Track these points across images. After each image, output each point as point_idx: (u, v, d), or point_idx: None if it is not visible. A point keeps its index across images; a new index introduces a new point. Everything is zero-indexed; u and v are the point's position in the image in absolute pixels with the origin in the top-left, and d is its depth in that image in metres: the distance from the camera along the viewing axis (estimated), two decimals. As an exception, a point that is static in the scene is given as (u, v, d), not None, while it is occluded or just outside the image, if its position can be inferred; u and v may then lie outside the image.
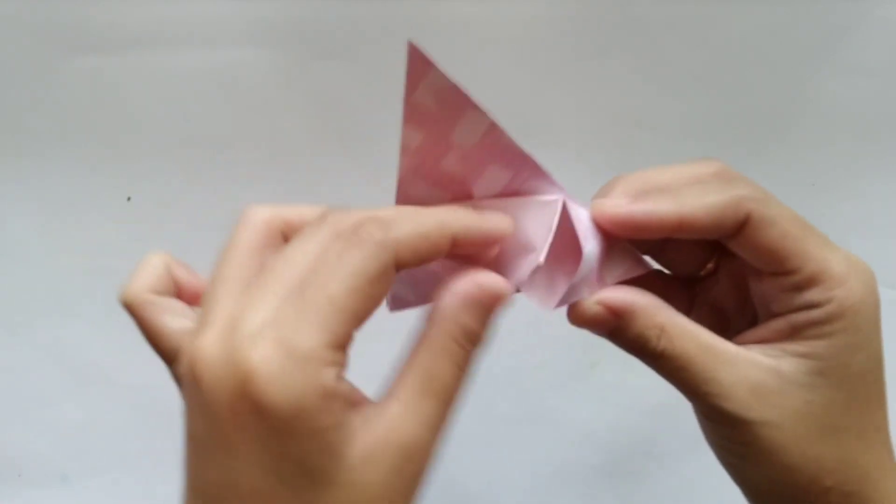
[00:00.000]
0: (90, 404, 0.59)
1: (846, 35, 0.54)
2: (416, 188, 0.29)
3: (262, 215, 0.28)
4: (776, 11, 0.53)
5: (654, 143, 0.55)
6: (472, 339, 0.26)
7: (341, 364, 0.24)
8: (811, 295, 0.28)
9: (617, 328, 0.29)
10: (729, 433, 0.28)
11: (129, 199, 0.56)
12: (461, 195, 0.29)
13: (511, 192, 0.29)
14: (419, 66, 0.28)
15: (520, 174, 0.29)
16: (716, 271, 0.32)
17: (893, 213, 0.58)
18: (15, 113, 0.54)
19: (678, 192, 0.28)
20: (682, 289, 0.33)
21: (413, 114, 0.28)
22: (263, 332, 0.23)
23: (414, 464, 0.25)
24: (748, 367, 0.28)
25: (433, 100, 0.28)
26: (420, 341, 0.26)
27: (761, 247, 0.28)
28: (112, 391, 0.59)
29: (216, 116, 0.54)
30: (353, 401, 0.25)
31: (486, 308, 0.26)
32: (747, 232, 0.28)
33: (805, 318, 0.28)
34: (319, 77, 0.54)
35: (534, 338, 0.54)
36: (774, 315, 0.29)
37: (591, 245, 0.28)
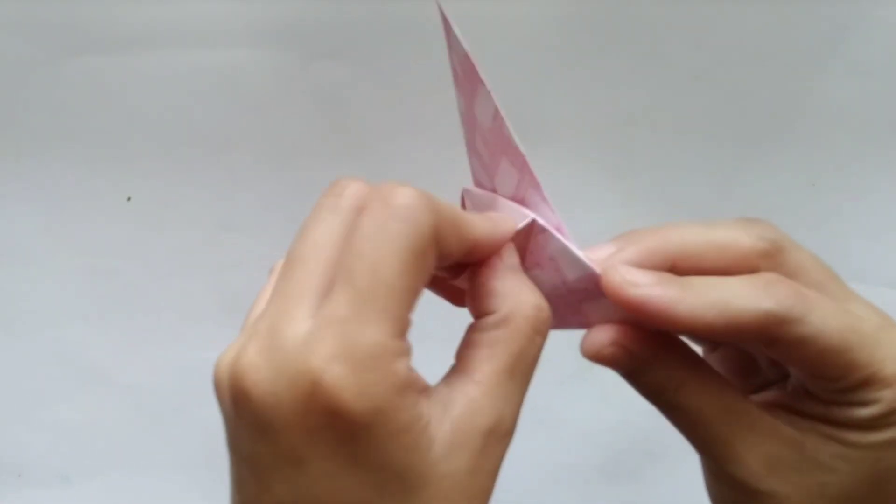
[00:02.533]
0: (90, 404, 0.59)
1: (846, 35, 0.54)
2: (471, 163, 0.28)
3: (357, 193, 0.24)
4: (776, 11, 0.53)
5: (653, 143, 0.55)
6: (546, 322, 0.25)
7: (407, 353, 0.22)
8: (855, 396, 0.25)
9: (631, 372, 0.26)
10: (736, 497, 0.27)
11: (129, 199, 0.56)
12: (489, 185, 0.28)
13: (518, 199, 0.28)
14: (446, 28, 0.27)
15: (523, 179, 0.28)
16: None
17: (893, 213, 0.58)
18: (15, 113, 0.54)
19: (704, 286, 0.24)
20: None
21: (454, 76, 0.28)
22: (319, 331, 0.21)
23: (498, 444, 0.24)
24: (768, 437, 0.25)
25: (459, 65, 0.28)
26: (500, 327, 0.24)
27: (797, 361, 0.25)
28: (112, 391, 0.59)
29: (216, 116, 0.54)
30: (421, 388, 0.23)
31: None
32: (780, 346, 0.24)
33: (845, 414, 0.25)
34: (319, 77, 0.54)
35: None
36: (810, 394, 0.26)
37: (552, 270, 0.27)
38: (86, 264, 0.57)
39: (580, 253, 0.26)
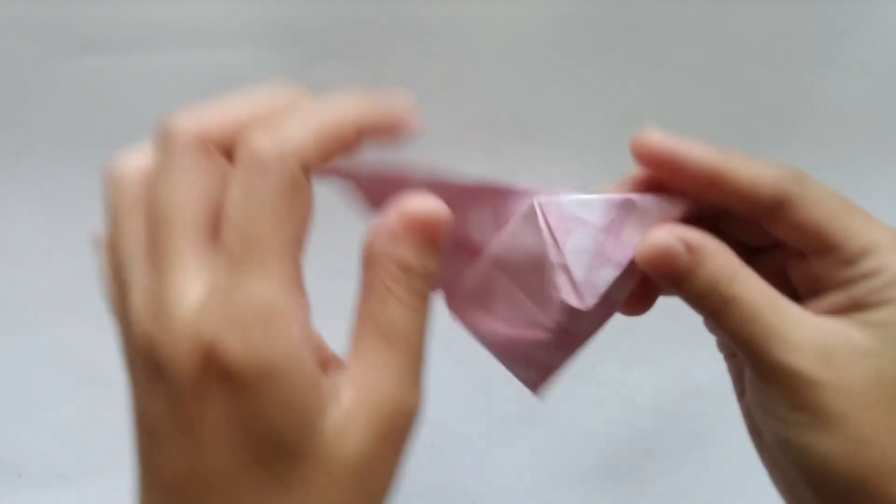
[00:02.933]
0: (90, 404, 0.59)
1: (846, 35, 0.54)
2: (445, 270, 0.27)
3: (188, 131, 0.24)
4: (776, 11, 0.53)
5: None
6: (414, 275, 0.23)
7: (304, 307, 0.22)
8: (866, 265, 0.26)
9: (688, 269, 0.26)
10: (791, 399, 0.26)
11: (129, 199, 0.56)
12: (474, 251, 0.28)
13: (505, 221, 0.28)
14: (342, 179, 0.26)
15: (497, 205, 0.28)
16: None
17: (894, 213, 0.58)
18: (15, 113, 0.54)
19: (726, 152, 0.27)
20: None
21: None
22: (206, 300, 0.21)
23: (394, 426, 0.22)
24: (818, 329, 0.26)
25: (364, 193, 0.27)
26: (362, 290, 0.23)
27: (804, 225, 0.26)
28: (112, 391, 0.59)
29: (216, 116, 0.54)
30: (324, 359, 0.23)
31: (421, 235, 0.23)
32: (788, 212, 0.26)
33: (865, 288, 0.26)
34: (319, 77, 0.54)
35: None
36: (828, 291, 0.27)
37: (581, 232, 0.27)
38: (86, 264, 0.57)
39: (591, 196, 0.27)
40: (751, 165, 0.27)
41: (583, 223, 0.27)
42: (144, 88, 0.54)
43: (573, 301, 0.27)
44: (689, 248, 0.26)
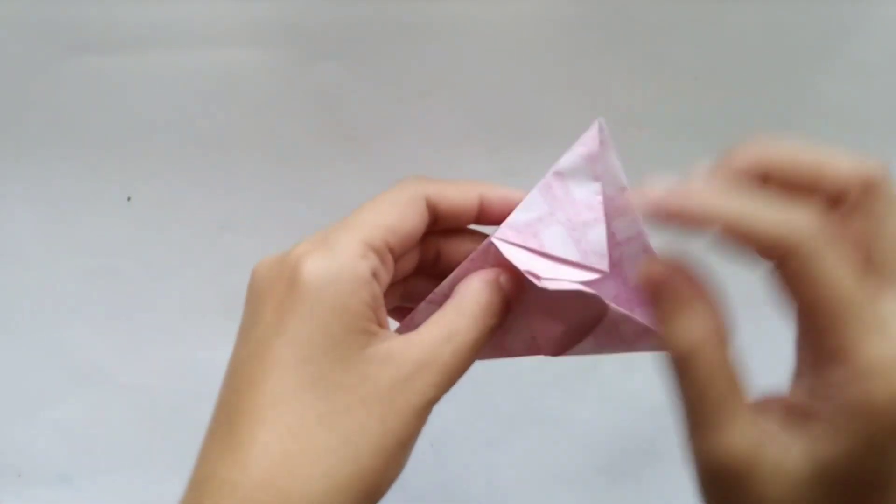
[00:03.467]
0: (90, 404, 0.59)
1: (846, 35, 0.54)
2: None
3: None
4: (776, 11, 0.53)
5: (653, 143, 0.55)
6: (490, 313, 0.29)
7: (374, 264, 0.27)
8: (824, 377, 0.23)
9: (666, 311, 0.26)
10: (704, 486, 0.26)
11: (129, 199, 0.56)
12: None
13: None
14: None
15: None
16: None
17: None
18: (15, 113, 0.54)
19: (738, 199, 0.24)
20: None
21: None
22: (311, 243, 0.28)
23: (423, 384, 0.27)
24: (752, 440, 0.24)
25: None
26: (449, 305, 0.29)
27: (802, 294, 0.24)
28: (112, 391, 0.59)
29: (216, 116, 0.54)
30: (382, 319, 0.28)
31: (504, 292, 0.29)
32: (783, 273, 0.24)
33: (815, 405, 0.24)
34: (319, 77, 0.54)
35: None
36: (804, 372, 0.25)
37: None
38: (86, 264, 0.57)
39: (524, 197, 0.30)
40: (771, 213, 0.24)
41: (537, 220, 0.29)
42: (144, 88, 0.54)
43: (591, 277, 0.28)
44: (676, 293, 0.25)
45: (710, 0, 0.52)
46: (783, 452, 0.24)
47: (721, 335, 0.25)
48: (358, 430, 0.26)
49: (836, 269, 0.23)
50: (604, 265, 0.29)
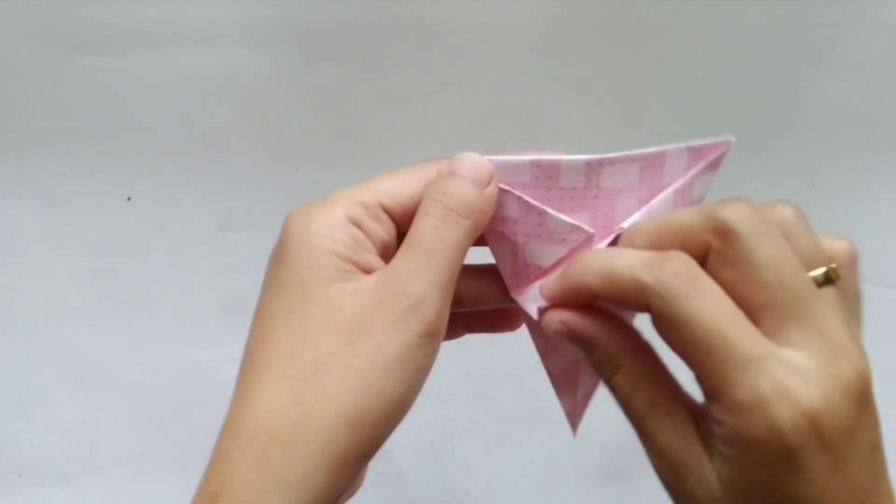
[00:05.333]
0: (90, 404, 0.59)
1: (846, 35, 0.54)
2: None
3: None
4: (776, 11, 0.53)
5: (653, 144, 0.55)
6: (453, 206, 0.28)
7: (355, 212, 0.28)
8: (713, 409, 0.25)
9: (582, 350, 0.28)
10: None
11: (129, 199, 0.56)
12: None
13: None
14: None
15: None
16: None
17: (893, 213, 0.58)
18: (15, 113, 0.54)
19: (590, 260, 0.27)
20: None
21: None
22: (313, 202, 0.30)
23: (393, 302, 0.27)
24: (679, 439, 0.27)
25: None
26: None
27: (667, 340, 0.25)
28: (112, 391, 0.59)
29: (216, 116, 0.54)
30: (363, 264, 0.28)
31: (473, 180, 0.29)
32: (656, 322, 0.25)
33: (714, 429, 0.25)
34: (319, 77, 0.54)
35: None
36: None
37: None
38: (86, 264, 0.57)
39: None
40: (614, 263, 0.26)
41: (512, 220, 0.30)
42: (144, 88, 0.54)
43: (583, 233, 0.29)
44: (576, 337, 0.28)
45: (710, 0, 0.52)
46: (704, 466, 0.26)
47: (629, 353, 0.27)
48: (325, 357, 0.26)
49: (701, 309, 0.24)
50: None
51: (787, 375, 0.23)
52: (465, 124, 0.55)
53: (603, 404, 0.60)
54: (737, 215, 0.25)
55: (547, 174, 0.29)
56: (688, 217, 0.26)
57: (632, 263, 0.25)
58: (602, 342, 0.27)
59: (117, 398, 0.59)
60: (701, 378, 0.24)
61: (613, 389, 0.28)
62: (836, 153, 0.57)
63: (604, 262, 0.26)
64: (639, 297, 0.25)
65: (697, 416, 0.27)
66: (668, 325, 0.24)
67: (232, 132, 0.55)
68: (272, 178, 0.56)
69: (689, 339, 0.24)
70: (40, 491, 0.59)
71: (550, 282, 0.28)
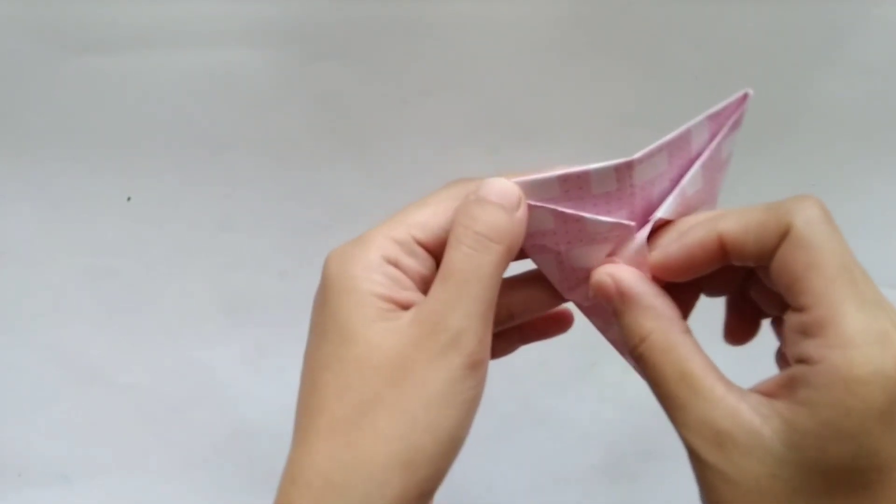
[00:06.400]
0: (90, 404, 0.59)
1: (846, 35, 0.54)
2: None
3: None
4: (776, 11, 0.53)
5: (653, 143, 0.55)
6: (480, 226, 0.28)
7: (391, 251, 0.28)
8: (808, 347, 0.24)
9: (616, 311, 0.28)
10: (694, 468, 0.26)
11: (129, 199, 0.56)
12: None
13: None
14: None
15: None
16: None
17: (893, 213, 0.58)
18: (15, 113, 0.54)
19: (720, 214, 0.27)
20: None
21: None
22: (349, 241, 0.29)
23: (430, 340, 0.27)
24: (724, 411, 0.25)
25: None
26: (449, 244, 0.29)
27: (784, 269, 0.25)
28: (112, 391, 0.59)
29: (216, 116, 0.54)
30: (402, 301, 0.28)
31: (497, 205, 0.28)
32: (781, 250, 0.25)
33: (800, 373, 0.24)
34: (319, 77, 0.54)
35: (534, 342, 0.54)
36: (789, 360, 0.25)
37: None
38: (86, 264, 0.57)
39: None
40: (747, 217, 0.26)
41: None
42: (144, 88, 0.54)
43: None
44: (619, 292, 0.28)
45: (710, 0, 0.52)
46: (762, 422, 0.24)
47: (666, 323, 0.27)
48: (372, 398, 0.26)
49: (832, 238, 0.24)
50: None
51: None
52: (465, 124, 0.55)
53: (603, 405, 0.60)
54: (802, 215, 0.26)
55: (577, 185, 0.29)
56: (762, 222, 0.26)
57: (767, 205, 0.26)
58: (640, 302, 0.27)
59: (117, 398, 0.59)
60: (809, 308, 0.24)
61: (642, 360, 0.27)
62: (838, 153, 0.57)
63: (732, 211, 0.27)
64: (779, 227, 0.25)
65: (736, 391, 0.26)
66: (799, 248, 0.24)
67: (232, 132, 0.55)
68: (272, 178, 0.56)
69: (820, 264, 0.24)
70: (40, 491, 0.59)
71: (665, 247, 0.28)
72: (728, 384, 0.26)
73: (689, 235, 0.27)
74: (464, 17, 0.53)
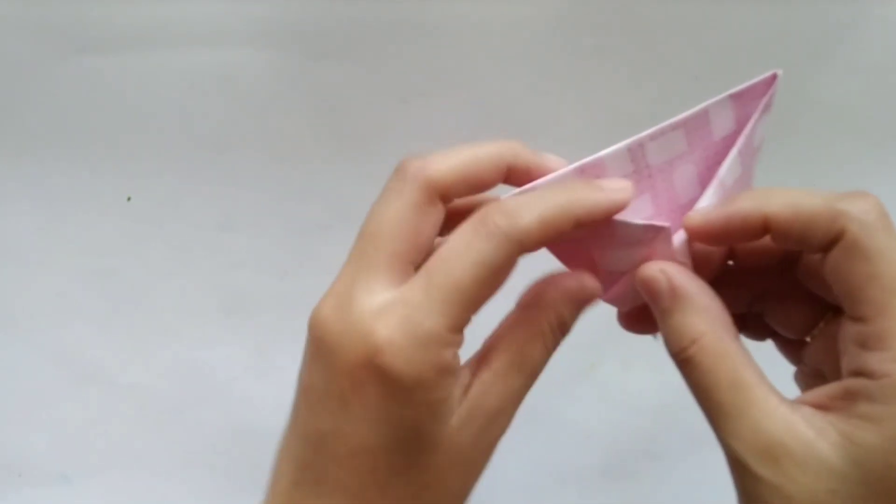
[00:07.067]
0: (90, 404, 0.59)
1: (846, 35, 0.54)
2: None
3: (423, 175, 0.28)
4: (776, 11, 0.53)
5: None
6: (563, 329, 0.28)
7: (458, 344, 0.26)
8: (869, 359, 0.23)
9: (665, 310, 0.27)
10: (737, 480, 0.25)
11: (129, 199, 0.56)
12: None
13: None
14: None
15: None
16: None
17: (893, 213, 0.58)
18: (15, 113, 0.54)
19: (770, 193, 0.26)
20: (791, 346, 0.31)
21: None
22: (392, 308, 0.25)
23: (497, 428, 0.28)
24: (777, 422, 0.24)
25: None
26: (518, 320, 0.28)
27: (843, 277, 0.24)
28: (112, 391, 0.59)
29: (216, 116, 0.54)
30: (456, 371, 0.27)
31: (581, 305, 0.28)
32: (836, 254, 0.24)
33: (859, 386, 0.23)
34: (319, 77, 0.54)
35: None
36: (841, 374, 0.25)
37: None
38: (86, 264, 0.57)
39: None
40: (799, 204, 0.25)
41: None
42: (144, 88, 0.54)
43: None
44: (671, 289, 0.27)
45: (710, 0, 0.52)
46: (817, 435, 0.23)
47: (720, 327, 0.26)
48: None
49: (891, 246, 0.24)
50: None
51: None
52: (465, 124, 0.55)
53: (603, 405, 0.60)
54: (861, 214, 0.26)
55: (595, 175, 0.28)
56: (816, 211, 0.26)
57: (821, 194, 0.25)
58: (693, 301, 0.26)
59: (117, 398, 0.59)
60: (870, 319, 0.23)
61: (691, 363, 0.26)
62: (837, 153, 0.57)
63: (784, 193, 0.26)
64: (831, 225, 0.24)
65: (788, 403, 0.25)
66: (857, 256, 0.24)
67: (232, 132, 0.55)
68: (272, 178, 0.56)
69: (880, 274, 0.23)
70: (40, 491, 0.59)
71: (707, 210, 0.27)
72: (780, 395, 0.25)
73: (734, 205, 0.26)
74: (464, 17, 0.53)
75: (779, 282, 0.28)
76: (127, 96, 0.54)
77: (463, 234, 0.26)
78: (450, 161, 0.29)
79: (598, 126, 0.55)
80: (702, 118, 0.29)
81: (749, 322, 0.31)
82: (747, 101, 0.29)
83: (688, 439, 0.58)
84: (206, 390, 0.59)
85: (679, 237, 0.28)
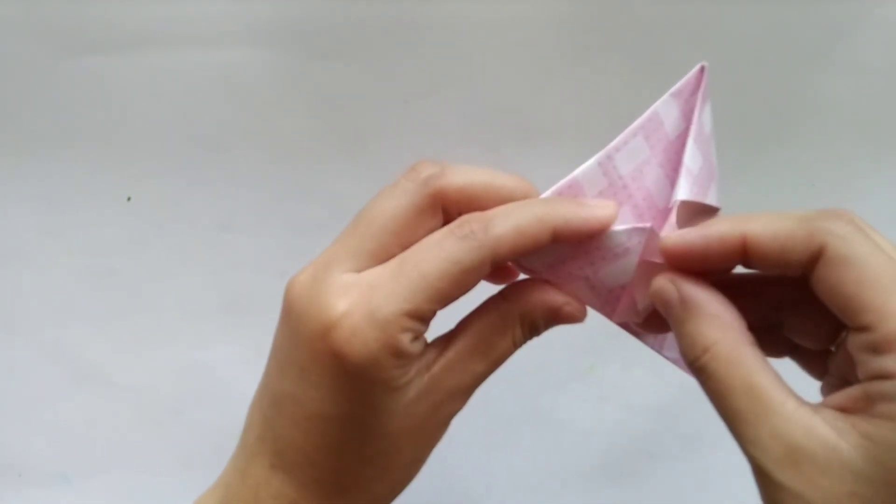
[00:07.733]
0: (90, 404, 0.59)
1: (846, 35, 0.54)
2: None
3: (435, 183, 0.29)
4: (776, 11, 0.53)
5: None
6: (533, 333, 0.30)
7: (419, 331, 0.28)
8: (884, 362, 0.23)
9: (677, 320, 0.27)
10: (759, 485, 0.25)
11: (129, 199, 0.56)
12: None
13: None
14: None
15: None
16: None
17: (893, 213, 0.58)
18: (15, 113, 0.54)
19: (748, 217, 0.26)
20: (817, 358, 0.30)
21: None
22: (357, 287, 0.27)
23: (453, 404, 0.29)
24: (797, 426, 0.24)
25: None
26: (494, 309, 0.29)
27: (834, 290, 0.24)
28: (112, 391, 0.59)
29: (216, 116, 0.54)
30: (417, 352, 0.28)
31: (557, 321, 0.30)
32: (821, 270, 0.24)
33: (877, 389, 0.23)
34: (319, 77, 0.54)
35: (533, 339, 0.54)
36: (858, 376, 0.24)
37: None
38: (86, 264, 0.57)
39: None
40: (775, 225, 0.25)
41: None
42: (144, 88, 0.54)
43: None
44: (681, 299, 0.26)
45: (710, 0, 0.52)
46: (839, 437, 0.23)
47: (733, 334, 0.26)
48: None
49: (874, 252, 0.24)
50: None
51: None
52: (465, 124, 0.55)
53: (603, 405, 0.60)
54: (838, 229, 0.25)
55: (572, 195, 0.29)
56: (791, 233, 0.26)
57: (795, 215, 0.25)
58: (704, 309, 0.26)
59: (117, 398, 0.59)
60: (874, 325, 0.23)
61: (705, 371, 0.25)
62: (837, 153, 0.57)
63: (760, 216, 0.26)
64: (810, 242, 0.24)
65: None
66: (843, 265, 0.24)
67: (232, 132, 0.55)
68: (272, 178, 0.56)
69: (871, 279, 0.23)
70: (40, 491, 0.59)
71: (684, 232, 0.27)
72: (799, 399, 0.25)
73: (711, 227, 0.26)
74: (464, 17, 0.53)
75: (797, 290, 0.27)
76: (127, 96, 0.54)
77: (440, 233, 0.27)
78: (465, 178, 0.29)
79: (598, 126, 0.55)
80: (655, 120, 0.30)
81: (766, 336, 0.30)
82: (687, 96, 0.30)
83: (688, 439, 0.58)
84: (206, 390, 0.59)
85: (671, 225, 0.28)
